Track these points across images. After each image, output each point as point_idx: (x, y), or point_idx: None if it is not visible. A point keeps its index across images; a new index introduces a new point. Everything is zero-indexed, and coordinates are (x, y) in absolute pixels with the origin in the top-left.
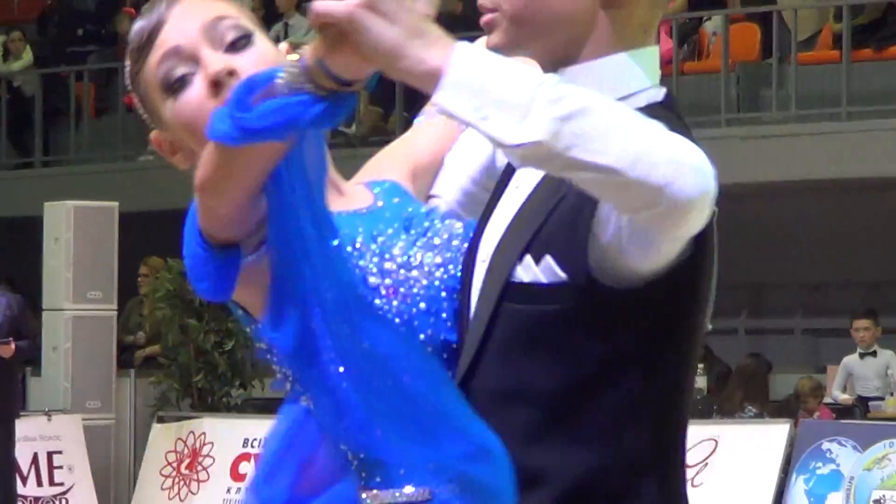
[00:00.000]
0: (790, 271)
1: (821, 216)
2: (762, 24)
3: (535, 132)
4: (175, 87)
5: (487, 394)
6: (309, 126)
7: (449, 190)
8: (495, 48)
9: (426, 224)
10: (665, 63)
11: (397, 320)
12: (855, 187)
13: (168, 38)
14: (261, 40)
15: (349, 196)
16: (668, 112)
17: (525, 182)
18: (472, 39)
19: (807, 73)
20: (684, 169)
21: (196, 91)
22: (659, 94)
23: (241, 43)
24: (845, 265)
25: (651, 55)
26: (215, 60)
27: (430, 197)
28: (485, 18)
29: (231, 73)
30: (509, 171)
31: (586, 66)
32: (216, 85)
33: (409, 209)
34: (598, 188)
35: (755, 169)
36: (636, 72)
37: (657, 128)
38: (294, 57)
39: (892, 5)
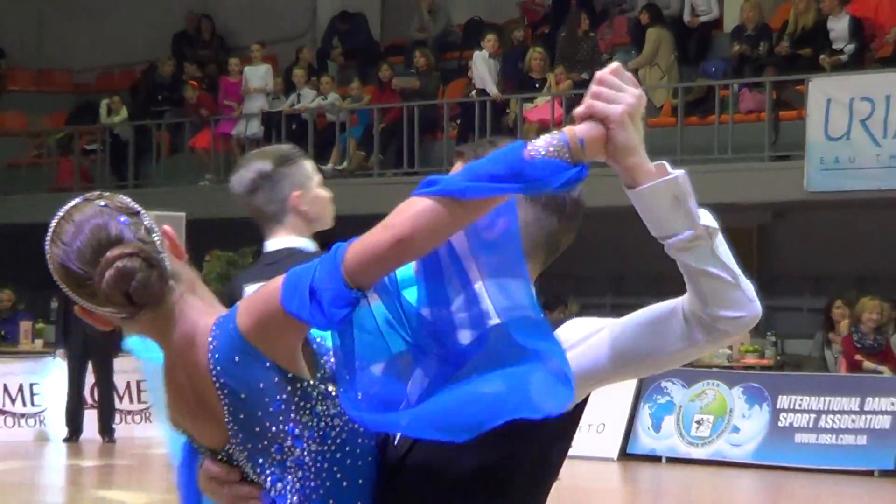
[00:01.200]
0: (637, 265)
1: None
2: None
3: (713, 224)
4: None
5: (420, 467)
6: (561, 186)
7: None
8: None
9: None
10: (556, 124)
11: None
12: None
13: None
14: None
15: None
16: None
17: None
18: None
19: (653, 132)
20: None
21: None
22: None
23: None
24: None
25: None
26: None
27: None
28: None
29: None
30: None
31: None
32: None
33: None
34: (716, 285)
35: (613, 197)
36: None
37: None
38: (555, 133)
39: (711, 88)
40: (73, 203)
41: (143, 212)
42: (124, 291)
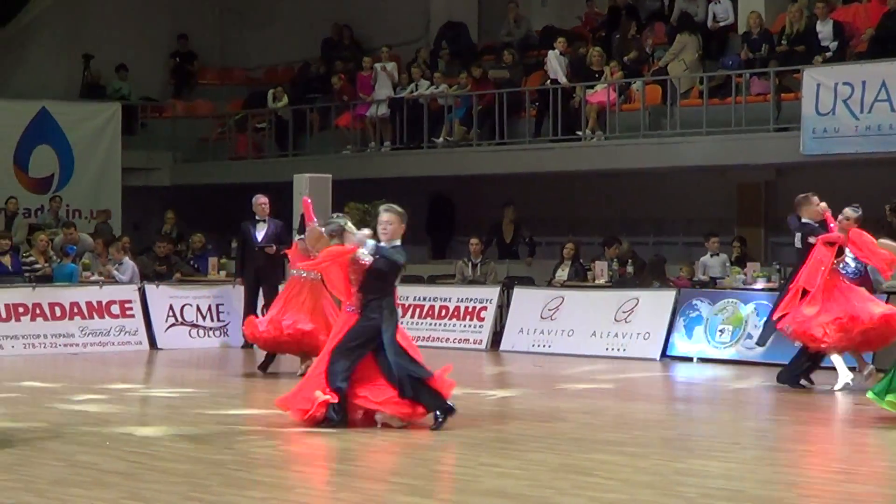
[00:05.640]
0: (673, 212)
1: (686, 185)
2: (662, 84)
3: None
4: None
5: None
6: None
7: None
8: None
9: None
10: (611, 105)
11: None
12: (712, 170)
13: None
14: None
15: None
16: None
17: None
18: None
19: (684, 110)
20: None
21: None
22: None
23: None
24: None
25: None
26: None
27: None
28: None
29: None
30: None
31: None
32: None
33: None
34: None
35: (656, 159)
36: None
37: None
38: None
39: (729, 76)
40: None
41: None
42: None
